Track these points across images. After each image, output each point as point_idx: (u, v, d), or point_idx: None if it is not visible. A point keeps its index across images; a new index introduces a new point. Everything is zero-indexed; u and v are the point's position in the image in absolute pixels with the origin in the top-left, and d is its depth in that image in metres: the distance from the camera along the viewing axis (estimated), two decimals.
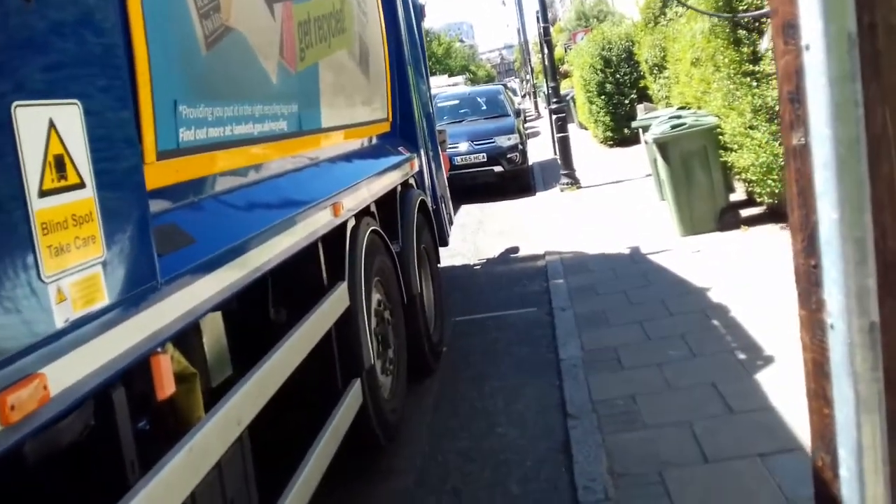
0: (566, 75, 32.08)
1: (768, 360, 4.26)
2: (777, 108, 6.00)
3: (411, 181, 5.56)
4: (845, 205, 1.15)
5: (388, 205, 4.84)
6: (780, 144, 6.18)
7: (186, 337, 2.18)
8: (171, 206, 2.10)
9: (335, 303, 3.22)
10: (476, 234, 9.87)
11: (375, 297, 3.97)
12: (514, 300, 6.63)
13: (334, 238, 3.48)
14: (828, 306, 1.25)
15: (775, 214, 7.31)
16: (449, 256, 8.29)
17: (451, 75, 29.69)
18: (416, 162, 5.59)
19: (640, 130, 10.67)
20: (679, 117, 7.84)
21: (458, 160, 12.35)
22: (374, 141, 5.03)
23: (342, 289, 3.33)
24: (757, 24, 6.17)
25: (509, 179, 12.70)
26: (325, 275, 3.31)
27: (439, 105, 14.65)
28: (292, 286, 3.18)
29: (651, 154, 9.15)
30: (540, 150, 18.71)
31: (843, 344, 1.21)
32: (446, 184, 7.15)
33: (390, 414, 3.98)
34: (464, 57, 71.30)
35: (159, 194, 2.02)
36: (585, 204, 10.46)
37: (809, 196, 1.28)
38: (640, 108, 15.38)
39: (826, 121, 1.14)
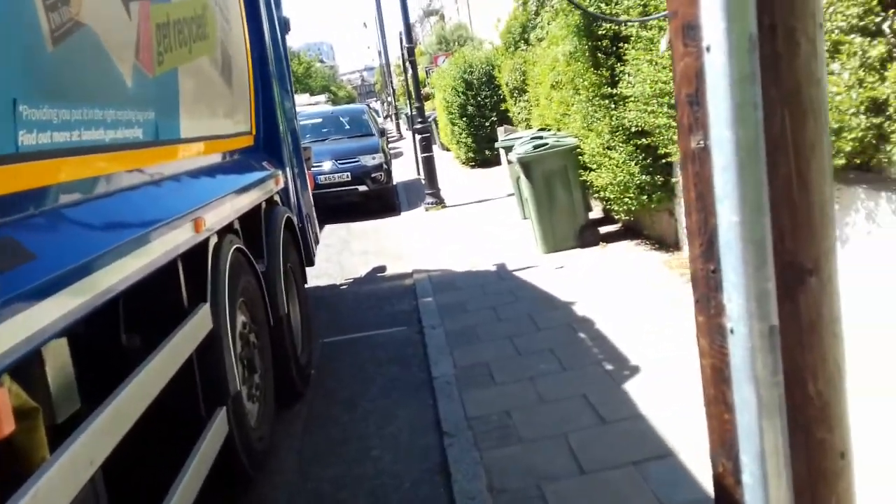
0: (427, 98, 32.54)
1: (634, 371, 4.38)
2: (633, 128, 6.29)
3: (276, 198, 5.34)
4: (745, 207, 1.14)
5: (252, 222, 4.61)
6: (636, 164, 6.47)
7: (26, 367, 1.92)
8: (7, 219, 1.84)
9: (197, 326, 2.98)
10: (342, 254, 9.69)
11: (240, 318, 3.74)
12: (384, 319, 6.52)
13: (195, 256, 3.24)
14: (727, 311, 1.23)
15: (630, 231, 7.66)
16: (315, 276, 8.05)
17: (311, 94, 29.28)
18: (281, 178, 5.38)
19: (503, 151, 10.92)
20: (540, 138, 8.06)
21: (322, 179, 12.13)
22: (238, 155, 4.79)
23: (204, 311, 3.10)
24: (615, 48, 6.45)
25: (374, 199, 12.62)
26: (185, 296, 3.07)
27: (302, 123, 14.30)
28: (149, 308, 2.92)
29: (514, 173, 9.37)
30: (403, 170, 18.76)
31: (743, 348, 1.20)
32: (312, 202, 6.96)
33: (258, 442, 3.75)
34: (324, 77, 70.71)
35: None
36: (451, 223, 10.54)
37: (708, 199, 1.27)
38: (500, 130, 15.75)
39: (727, 123, 1.13)
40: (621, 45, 6.31)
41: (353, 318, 6.70)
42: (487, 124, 16.14)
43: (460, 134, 16.76)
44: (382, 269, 8.59)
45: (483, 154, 16.52)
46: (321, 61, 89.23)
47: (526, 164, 7.56)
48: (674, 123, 5.50)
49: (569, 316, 5.61)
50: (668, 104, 5.59)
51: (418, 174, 16.97)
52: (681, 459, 3.32)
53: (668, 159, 6.42)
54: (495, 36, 14.72)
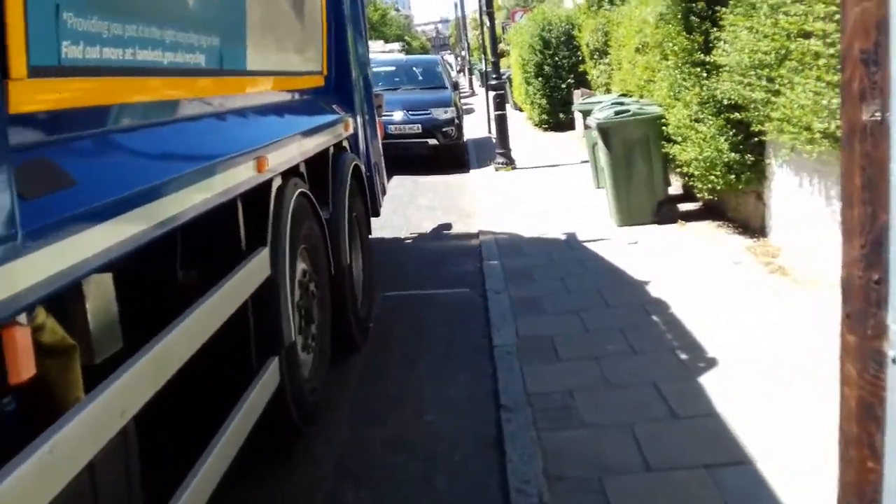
0: (502, 54, 31.81)
1: (711, 363, 4.06)
2: (725, 101, 5.83)
3: (345, 144, 5.13)
4: None
5: (319, 166, 4.41)
6: (725, 140, 6.03)
7: (64, 302, 1.74)
8: (46, 139, 1.64)
9: (254, 271, 2.80)
10: (408, 207, 9.47)
11: (300, 266, 3.55)
12: (447, 279, 6.30)
13: (257, 198, 3.05)
14: (891, 334, 0.94)
15: (712, 211, 7.21)
16: (379, 228, 7.86)
17: (386, 41, 28.92)
18: (350, 124, 5.15)
19: (580, 115, 10.48)
20: (622, 104, 7.63)
21: (391, 129, 11.89)
22: (307, 96, 4.58)
23: (263, 256, 2.91)
24: (710, 11, 5.96)
25: (443, 153, 12.34)
26: (243, 239, 2.88)
27: (374, 70, 14.10)
28: (204, 249, 2.75)
29: (590, 139, 8.95)
30: (474, 127, 18.37)
31: None
32: (381, 151, 6.73)
33: (310, 394, 3.60)
34: (399, 26, 70.06)
35: (29, 121, 1.57)
36: (520, 185, 10.20)
37: (880, 189, 0.98)
38: (577, 93, 15.26)
39: None
40: (718, 8, 5.82)
41: (416, 275, 6.50)
42: (564, 86, 15.60)
43: (535, 94, 16.26)
44: (448, 226, 8.35)
45: (557, 117, 16.01)
46: (396, 9, 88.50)
47: (605, 131, 7.16)
48: (773, 98, 5.05)
49: (641, 295, 5.29)
50: (766, 77, 5.13)
51: (489, 132, 16.60)
52: (759, 470, 3.01)
53: (762, 137, 5.96)
54: None
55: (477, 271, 6.43)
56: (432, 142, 12.03)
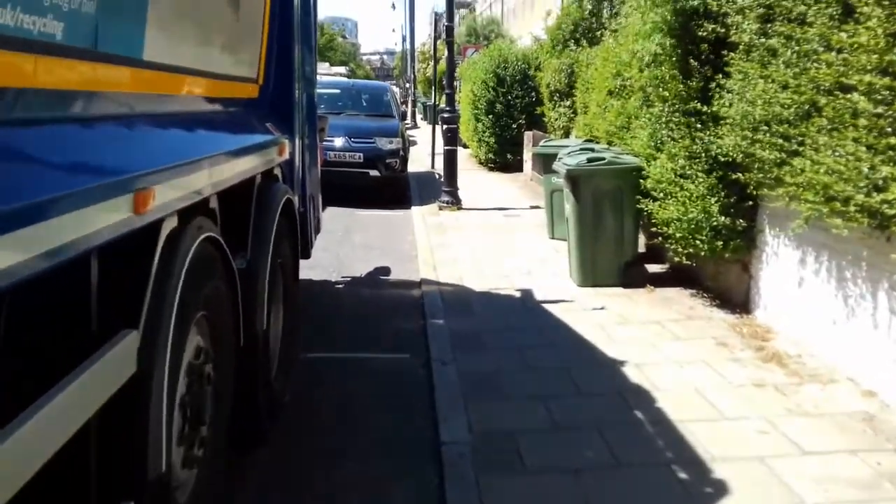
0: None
1: (719, 489, 3.21)
2: (722, 158, 5.12)
3: (277, 172, 4.15)
4: None
5: (239, 199, 3.42)
6: (716, 201, 5.31)
7: None
8: None
9: (108, 371, 1.79)
10: (342, 245, 8.47)
11: (193, 344, 2.54)
12: (383, 338, 5.33)
13: (131, 251, 2.05)
14: None
15: (682, 276, 6.46)
16: (308, 267, 6.86)
17: (331, 65, 28.00)
18: (286, 147, 4.19)
19: (535, 158, 9.74)
20: (592, 150, 6.88)
21: (331, 156, 10.90)
22: (233, 107, 3.60)
23: (128, 344, 1.90)
24: (715, 55, 5.26)
25: (385, 187, 11.40)
26: (95, 318, 1.87)
27: (318, 91, 13.16)
28: (33, 337, 1.73)
29: (549, 186, 8.20)
30: (417, 160, 17.53)
31: None
32: (319, 182, 5.77)
33: None
34: (345, 53, 69.43)
35: None
36: (467, 228, 9.34)
37: None
38: (528, 135, 14.63)
39: None
40: (725, 52, 5.13)
41: (347, 330, 5.51)
42: (514, 126, 14.98)
43: (483, 132, 15.56)
44: (386, 271, 7.38)
45: (504, 157, 15.35)
46: (344, 37, 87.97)
47: (574, 179, 6.38)
48: (788, 159, 4.33)
49: (618, 380, 4.43)
50: (781, 134, 4.43)
51: (432, 167, 15.79)
52: None
53: (757, 202, 5.28)
54: (527, 36, 13.53)
55: (419, 331, 5.48)
56: (374, 173, 11.09)
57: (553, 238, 8.37)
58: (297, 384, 4.39)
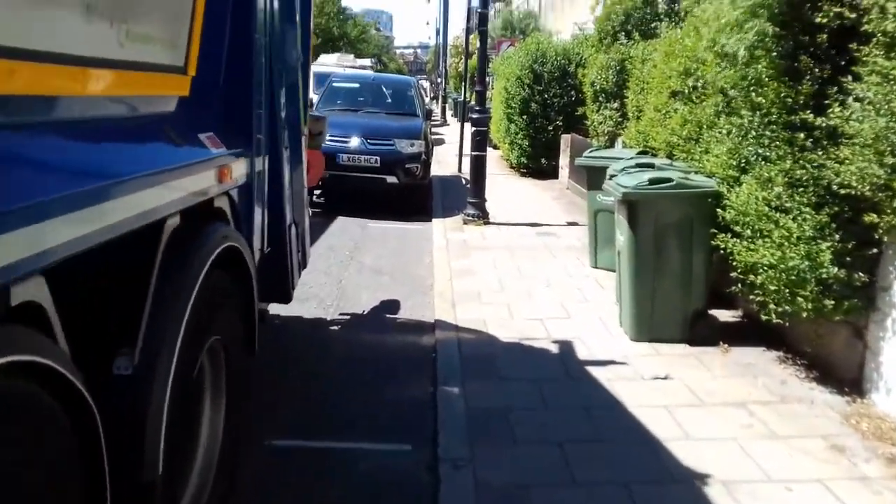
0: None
1: None
2: (841, 189, 3.77)
3: (223, 205, 2.89)
4: None
5: (131, 260, 2.17)
6: (828, 246, 3.95)
7: None
8: None
9: None
10: (347, 267, 7.22)
11: None
12: (378, 415, 4.05)
13: None
14: None
15: (762, 330, 5.06)
16: (301, 299, 5.66)
17: (358, 56, 26.68)
18: (236, 168, 2.92)
19: (580, 169, 8.40)
20: (652, 166, 5.55)
21: (343, 159, 9.69)
22: (134, 111, 2.34)
23: None
24: (837, 49, 3.89)
25: (403, 195, 10.13)
26: None
27: (334, 86, 11.96)
28: None
29: (595, 204, 6.88)
30: (444, 162, 16.29)
31: None
32: (307, 203, 4.53)
33: None
34: (378, 45, 68.08)
35: None
36: (494, 248, 8.02)
37: None
38: (565, 138, 13.26)
39: None
40: (854, 46, 3.75)
41: (332, 399, 4.24)
42: (551, 128, 13.61)
43: (516, 133, 14.21)
44: (395, 306, 6.10)
45: (538, 162, 14.00)
46: (378, 29, 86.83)
47: (632, 204, 5.04)
48: None
49: None
50: None
51: (459, 171, 14.49)
52: None
53: (882, 249, 3.93)
54: (567, 30, 12.16)
55: (427, 402, 4.21)
56: (391, 179, 9.81)
57: (596, 267, 7.04)
58: (250, 488, 3.13)
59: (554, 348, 5.03)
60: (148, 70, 2.29)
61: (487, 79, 21.65)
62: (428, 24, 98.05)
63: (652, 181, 5.04)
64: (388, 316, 5.87)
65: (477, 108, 9.28)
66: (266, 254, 3.70)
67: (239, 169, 2.95)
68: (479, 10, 9.01)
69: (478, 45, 9.19)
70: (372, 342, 5.22)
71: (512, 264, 7.30)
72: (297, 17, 4.07)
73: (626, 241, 5.16)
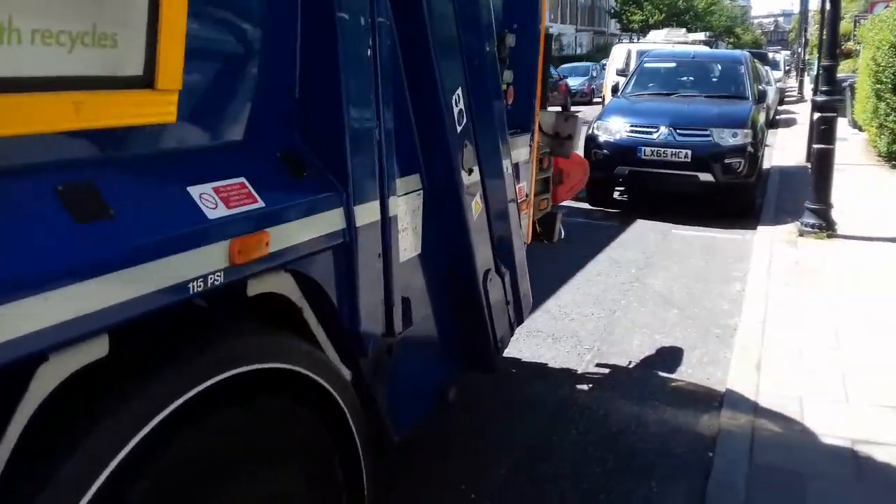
0: (849, 55, 25.11)
1: None
2: None
3: (280, 288, 1.84)
4: None
5: None
6: None
7: None
8: None
9: None
10: (625, 293, 5.81)
11: None
12: None
13: None
14: None
15: None
16: (554, 337, 4.60)
17: (689, 31, 23.96)
18: (292, 232, 1.82)
19: None
20: None
21: (645, 153, 8.19)
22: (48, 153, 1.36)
23: None
24: None
25: (721, 195, 8.29)
26: None
27: (646, 66, 10.38)
28: None
29: None
30: (790, 148, 13.71)
31: None
32: (521, 236, 3.34)
33: None
34: (729, 16, 62.56)
35: None
36: (837, 277, 5.96)
37: None
38: None
39: None
40: None
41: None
42: None
43: (887, 115, 11.21)
44: (675, 358, 4.60)
45: None
46: None
47: None
48: None
49: None
50: None
51: (807, 160, 11.90)
52: None
53: None
54: None
55: None
56: (706, 177, 8.04)
57: None
58: None
59: None
60: (71, 87, 1.30)
61: (858, 47, 17.91)
62: None
63: None
64: (660, 374, 4.40)
65: (824, 89, 7.08)
66: (455, 313, 2.66)
67: (311, 227, 1.85)
68: None
69: (828, 4, 6.97)
70: (622, 418, 3.82)
71: (859, 305, 5.26)
72: None
73: None
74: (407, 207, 2.51)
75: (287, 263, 1.81)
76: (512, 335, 3.35)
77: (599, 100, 21.74)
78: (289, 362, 1.77)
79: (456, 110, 2.59)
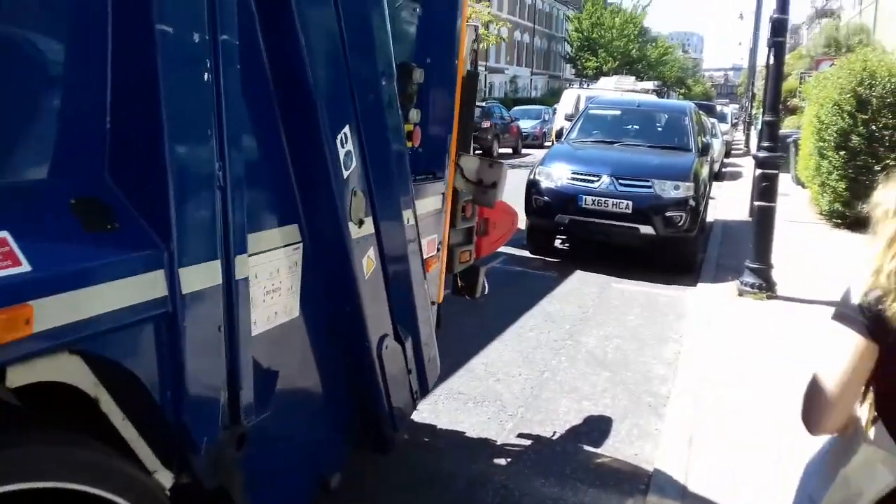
0: (794, 111, 25.71)
1: None
2: None
3: (53, 374, 1.42)
4: None
5: None
6: None
7: None
8: None
9: None
10: (557, 352, 5.46)
11: None
12: None
13: None
14: None
15: None
16: (476, 400, 4.15)
17: (639, 79, 24.25)
18: (61, 305, 1.42)
19: None
20: None
21: (588, 202, 7.93)
22: None
23: None
24: None
25: (660, 249, 8.09)
26: None
27: (591, 113, 10.22)
28: None
29: None
30: (735, 201, 13.71)
31: None
32: (425, 296, 2.95)
33: None
34: (681, 68, 64.35)
35: None
36: (779, 340, 5.72)
37: None
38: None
39: None
40: None
41: None
42: (877, 168, 10.46)
43: (829, 173, 11.27)
44: (601, 430, 4.24)
45: (857, 210, 10.89)
46: (685, 51, 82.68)
47: None
48: None
49: None
50: None
51: (751, 215, 11.87)
52: None
53: None
54: None
55: None
56: (646, 230, 7.81)
57: None
58: None
59: None
60: None
61: (803, 103, 18.21)
62: (740, 44, 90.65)
63: None
64: (585, 448, 4.02)
65: (765, 144, 6.95)
66: (344, 385, 2.25)
67: (111, 295, 1.43)
68: (773, 16, 6.62)
69: (771, 59, 6.84)
70: (539, 501, 3.42)
71: (797, 369, 4.98)
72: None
73: None
74: (278, 265, 2.11)
75: (72, 343, 1.38)
76: (415, 407, 2.97)
77: (550, 143, 21.72)
78: (56, 479, 1.33)
79: (342, 151, 2.21)
